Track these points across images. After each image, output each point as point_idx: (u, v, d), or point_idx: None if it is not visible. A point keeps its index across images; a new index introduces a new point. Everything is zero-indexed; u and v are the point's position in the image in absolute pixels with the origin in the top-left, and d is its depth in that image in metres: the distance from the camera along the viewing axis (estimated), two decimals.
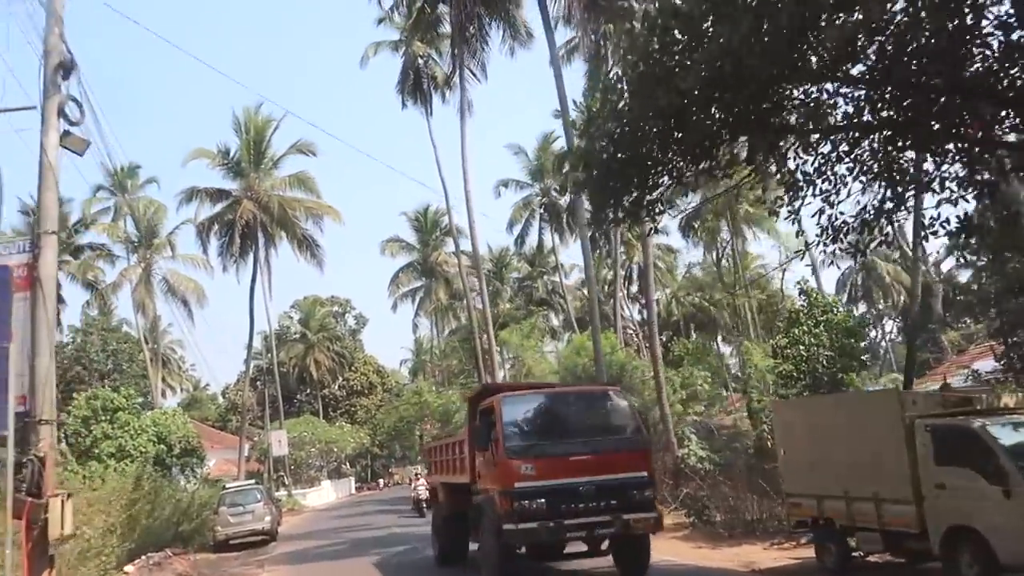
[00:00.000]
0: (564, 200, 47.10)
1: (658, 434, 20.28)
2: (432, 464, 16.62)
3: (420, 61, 33.70)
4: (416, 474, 31.88)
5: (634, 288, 52.70)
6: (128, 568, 16.82)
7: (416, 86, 33.60)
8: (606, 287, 59.70)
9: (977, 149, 9.05)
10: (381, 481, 72.21)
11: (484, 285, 31.72)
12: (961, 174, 9.54)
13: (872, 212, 9.84)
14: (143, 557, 17.48)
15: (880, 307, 55.17)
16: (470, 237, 30.21)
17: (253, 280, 38.57)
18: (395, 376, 75.77)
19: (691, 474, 18.99)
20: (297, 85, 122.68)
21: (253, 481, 29.81)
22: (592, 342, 23.56)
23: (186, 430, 31.47)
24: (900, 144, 9.06)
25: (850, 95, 9.86)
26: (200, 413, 62.70)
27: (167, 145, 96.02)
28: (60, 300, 44.81)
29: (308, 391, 69.16)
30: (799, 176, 10.62)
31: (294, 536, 25.96)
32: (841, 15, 8.10)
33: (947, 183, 9.45)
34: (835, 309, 24.26)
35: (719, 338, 54.53)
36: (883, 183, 9.98)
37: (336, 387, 70.36)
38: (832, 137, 10.31)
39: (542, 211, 47.77)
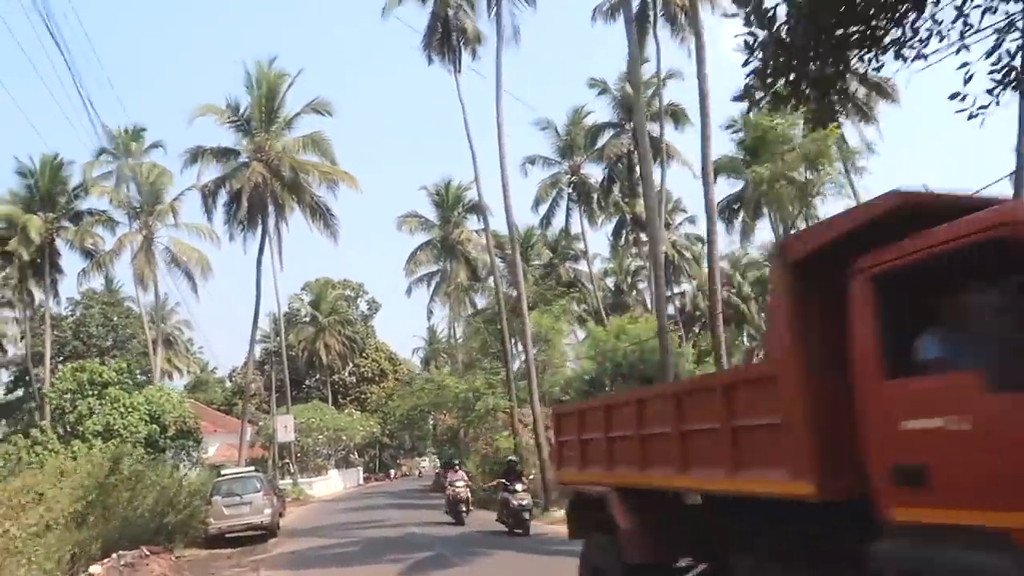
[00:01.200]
0: (595, 179, 44.11)
1: None
2: (581, 447, 7.80)
3: (450, 12, 30.57)
4: (455, 466, 25.21)
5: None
6: (94, 569, 13.91)
7: (444, 40, 30.48)
8: (629, 277, 56.99)
9: None
10: (392, 472, 70.17)
11: (518, 256, 28.32)
12: None
13: None
14: (114, 556, 14.52)
15: None
16: (503, 198, 26.63)
17: (260, 250, 35.72)
18: (407, 365, 73.10)
19: None
20: (319, 49, 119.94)
21: (253, 468, 26.90)
22: (657, 318, 20.33)
23: (182, 410, 28.74)
24: None
25: None
26: (206, 396, 60.45)
27: (177, 112, 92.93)
28: (58, 269, 42.05)
29: (317, 376, 66.63)
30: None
31: (297, 532, 23.10)
32: None
33: None
34: None
35: (744, 335, 51.88)
36: None
37: (346, 373, 67.85)
38: None
39: (570, 190, 44.71)
